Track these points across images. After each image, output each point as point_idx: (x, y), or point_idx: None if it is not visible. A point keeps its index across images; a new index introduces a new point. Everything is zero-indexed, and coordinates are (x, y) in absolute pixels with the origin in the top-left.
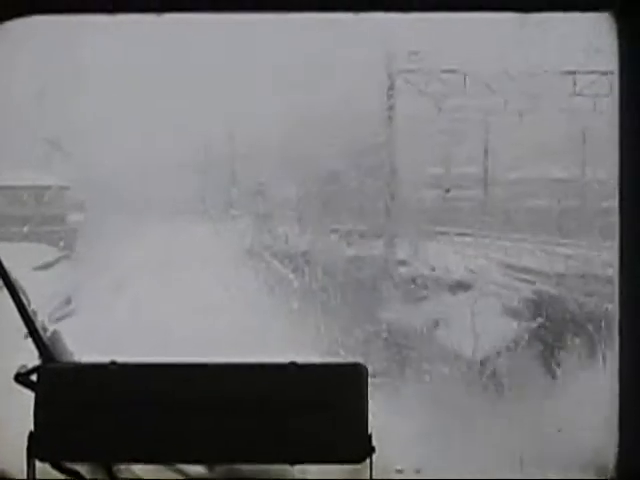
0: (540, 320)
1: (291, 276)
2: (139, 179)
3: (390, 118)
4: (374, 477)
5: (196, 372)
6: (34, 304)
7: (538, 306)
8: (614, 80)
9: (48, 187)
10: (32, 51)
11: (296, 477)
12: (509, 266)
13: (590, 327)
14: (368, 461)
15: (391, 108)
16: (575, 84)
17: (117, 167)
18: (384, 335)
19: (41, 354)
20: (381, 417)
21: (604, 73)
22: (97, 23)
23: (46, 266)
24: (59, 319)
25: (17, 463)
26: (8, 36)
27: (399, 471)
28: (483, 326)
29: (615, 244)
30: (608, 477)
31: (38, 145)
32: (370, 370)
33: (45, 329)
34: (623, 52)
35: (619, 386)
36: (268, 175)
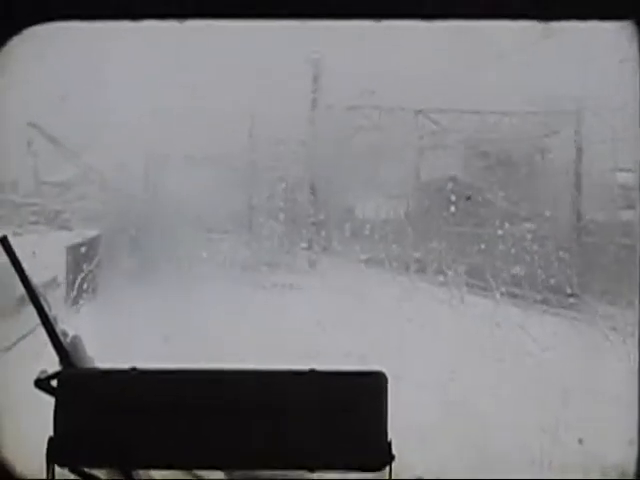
0: None
1: None
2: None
3: None
4: None
5: (216, 379)
6: None
7: None
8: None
9: None
10: (55, 57)
11: None
12: None
13: None
14: (387, 469)
15: None
16: None
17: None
18: None
19: (61, 360)
20: None
21: None
22: (120, 29)
23: None
24: None
25: (36, 468)
26: (31, 42)
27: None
28: None
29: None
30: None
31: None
32: None
33: (65, 334)
34: None
35: (638, 386)
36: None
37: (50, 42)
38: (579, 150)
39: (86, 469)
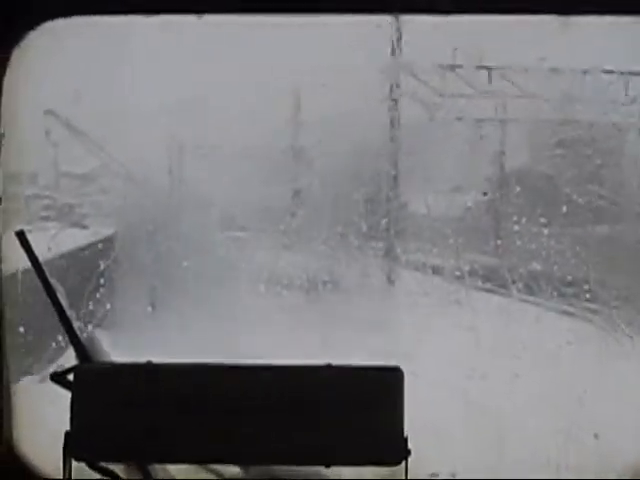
0: None
1: None
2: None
3: None
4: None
5: (232, 374)
6: None
7: None
8: None
9: None
10: (73, 51)
11: (330, 478)
12: None
13: None
14: (403, 464)
15: None
16: None
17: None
18: None
19: (78, 354)
20: None
21: None
22: (138, 24)
23: None
24: None
25: (53, 462)
26: (49, 36)
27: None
28: None
29: None
30: None
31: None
32: None
33: (82, 330)
34: None
35: None
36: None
37: (68, 36)
38: None
39: (103, 463)
